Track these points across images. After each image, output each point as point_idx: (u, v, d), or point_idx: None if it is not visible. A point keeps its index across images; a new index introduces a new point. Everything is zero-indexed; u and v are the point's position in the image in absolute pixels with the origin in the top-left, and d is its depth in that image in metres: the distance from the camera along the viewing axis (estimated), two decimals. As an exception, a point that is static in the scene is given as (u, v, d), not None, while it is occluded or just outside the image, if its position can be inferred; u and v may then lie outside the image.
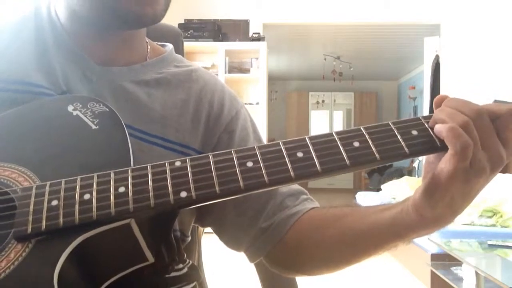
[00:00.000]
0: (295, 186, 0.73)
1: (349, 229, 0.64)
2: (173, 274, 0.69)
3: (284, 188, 0.71)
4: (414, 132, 0.50)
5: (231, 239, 0.73)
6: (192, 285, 0.71)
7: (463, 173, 0.48)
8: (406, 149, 0.49)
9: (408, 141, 0.50)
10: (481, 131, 0.48)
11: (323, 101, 10.39)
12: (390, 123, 0.52)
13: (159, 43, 0.81)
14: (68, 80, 0.66)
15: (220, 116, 0.73)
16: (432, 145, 0.50)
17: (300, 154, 0.50)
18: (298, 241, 0.68)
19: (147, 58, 0.74)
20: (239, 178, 0.49)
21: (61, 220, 0.48)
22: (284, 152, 0.50)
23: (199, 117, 0.72)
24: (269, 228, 0.69)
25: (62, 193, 0.50)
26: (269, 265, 0.72)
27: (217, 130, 0.72)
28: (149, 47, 0.76)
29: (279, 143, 0.51)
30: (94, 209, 0.48)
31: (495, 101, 0.53)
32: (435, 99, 0.52)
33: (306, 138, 0.51)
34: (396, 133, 0.50)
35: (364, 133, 0.51)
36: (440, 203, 0.51)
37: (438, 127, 0.49)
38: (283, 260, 0.71)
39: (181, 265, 0.71)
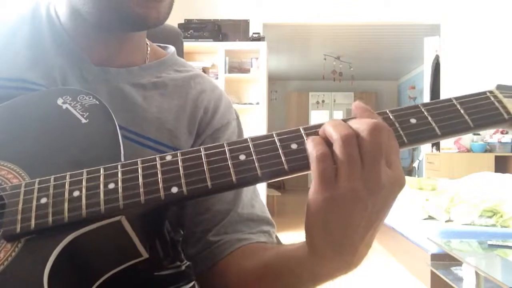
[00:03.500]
0: (261, 213, 0.71)
1: (262, 260, 0.61)
2: (170, 271, 0.69)
3: (247, 210, 0.70)
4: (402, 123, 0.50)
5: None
6: (190, 284, 0.71)
7: (328, 201, 0.44)
8: (404, 139, 0.49)
9: (406, 129, 0.49)
10: (347, 158, 0.44)
11: (323, 101, 10.39)
12: (388, 111, 0.51)
13: (161, 44, 0.81)
14: (65, 79, 0.66)
15: (211, 121, 0.73)
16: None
17: (294, 146, 0.48)
18: (230, 268, 0.65)
19: (146, 60, 0.74)
20: (232, 172, 0.47)
21: (50, 218, 0.47)
22: (278, 143, 0.48)
23: (194, 122, 0.72)
24: (215, 243, 0.67)
25: (51, 191, 0.48)
26: None
27: (204, 134, 0.72)
28: (149, 49, 0.76)
29: (272, 134, 0.49)
30: (84, 206, 0.47)
31: (498, 85, 0.52)
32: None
33: (301, 129, 0.49)
34: (395, 122, 0.49)
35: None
36: (315, 232, 0.47)
37: (309, 149, 0.46)
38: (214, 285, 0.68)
39: (178, 263, 0.71)
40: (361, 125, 0.45)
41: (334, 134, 0.45)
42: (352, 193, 0.44)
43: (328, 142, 0.46)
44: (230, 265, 0.65)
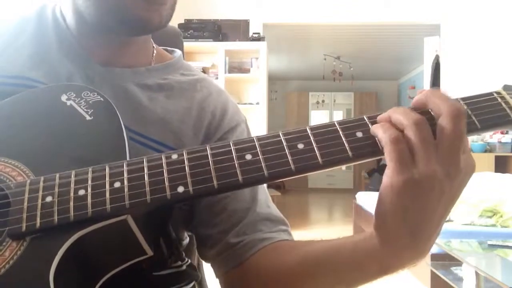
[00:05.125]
0: (277, 213, 0.71)
1: (309, 253, 0.59)
2: (172, 270, 0.69)
3: (264, 210, 0.69)
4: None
5: (199, 247, 0.72)
6: (191, 285, 0.71)
7: (407, 183, 0.44)
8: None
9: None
10: (422, 141, 0.44)
11: (323, 101, 10.39)
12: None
13: (168, 48, 0.81)
14: (70, 79, 0.66)
15: (220, 124, 0.73)
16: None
17: (301, 146, 0.48)
18: (258, 268, 0.64)
19: (152, 63, 0.74)
20: (238, 172, 0.47)
21: (55, 217, 0.47)
22: (284, 143, 0.48)
23: (201, 125, 0.71)
24: (237, 245, 0.66)
25: (56, 189, 0.48)
26: None
27: (214, 137, 0.72)
28: (155, 51, 0.76)
29: (279, 134, 0.49)
30: (89, 206, 0.47)
31: (505, 85, 0.51)
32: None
33: (307, 129, 0.49)
34: None
35: (367, 122, 0.49)
36: (391, 219, 0.46)
37: (379, 134, 0.46)
38: (238, 286, 0.67)
39: (179, 263, 0.71)
40: (443, 107, 0.46)
41: (405, 120, 0.45)
42: (432, 176, 0.44)
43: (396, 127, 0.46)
44: (261, 263, 0.64)
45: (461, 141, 0.45)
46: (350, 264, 0.54)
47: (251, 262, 0.65)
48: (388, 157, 0.45)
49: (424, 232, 0.47)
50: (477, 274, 2.27)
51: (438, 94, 0.48)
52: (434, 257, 2.83)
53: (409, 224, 0.46)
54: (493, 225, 2.95)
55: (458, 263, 2.53)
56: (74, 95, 0.59)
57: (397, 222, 0.46)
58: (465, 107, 0.50)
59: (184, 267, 0.71)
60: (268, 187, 6.01)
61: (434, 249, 2.83)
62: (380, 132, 0.46)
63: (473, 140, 5.01)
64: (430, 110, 0.47)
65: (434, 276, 2.79)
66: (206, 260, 0.71)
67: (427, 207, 0.45)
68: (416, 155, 0.44)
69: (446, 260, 2.73)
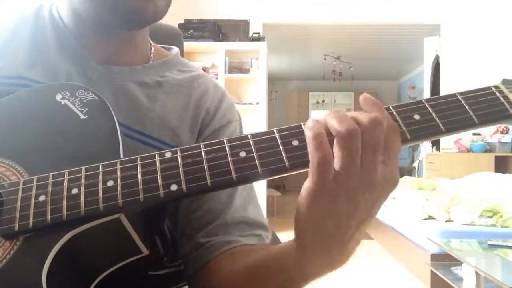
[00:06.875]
0: (255, 217, 0.69)
1: (254, 259, 0.59)
2: (170, 269, 0.69)
3: (239, 213, 0.68)
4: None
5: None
6: (190, 284, 0.70)
7: (325, 192, 0.43)
8: (407, 135, 0.48)
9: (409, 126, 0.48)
10: (348, 152, 0.43)
11: (323, 101, 10.40)
12: (391, 106, 0.49)
13: (165, 46, 0.80)
14: (69, 79, 0.66)
15: (212, 121, 0.72)
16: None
17: (295, 143, 0.47)
18: (215, 272, 0.63)
19: (150, 60, 0.73)
20: (232, 170, 0.47)
21: (48, 216, 0.47)
22: (279, 140, 0.47)
23: (196, 123, 0.71)
24: (204, 245, 0.65)
25: (49, 188, 0.48)
26: None
27: (205, 133, 0.71)
28: (152, 49, 0.75)
29: (273, 131, 0.48)
30: (82, 204, 0.47)
31: (504, 80, 0.51)
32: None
33: (302, 125, 0.48)
34: (397, 118, 0.48)
35: None
36: (306, 224, 0.46)
37: (307, 134, 0.45)
38: None
39: (179, 261, 0.71)
40: (362, 117, 0.44)
41: (339, 127, 0.43)
42: (349, 188, 0.43)
43: (327, 131, 0.44)
44: (219, 267, 0.63)
45: (379, 150, 0.43)
46: (276, 270, 0.54)
47: (212, 265, 0.64)
48: (310, 161, 0.44)
49: (337, 242, 0.47)
50: (477, 274, 2.27)
51: (373, 108, 0.46)
52: (434, 257, 2.83)
53: (322, 232, 0.46)
54: (493, 225, 2.94)
55: (458, 263, 2.53)
56: (69, 94, 0.59)
57: (311, 229, 0.46)
58: (463, 102, 0.49)
59: (182, 266, 0.71)
60: (268, 187, 5.96)
61: (434, 249, 2.83)
62: (308, 135, 0.44)
63: (473, 140, 5.01)
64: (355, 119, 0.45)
65: (434, 276, 2.78)
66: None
67: (341, 218, 0.45)
68: (339, 164, 0.43)
69: (446, 260, 2.72)
